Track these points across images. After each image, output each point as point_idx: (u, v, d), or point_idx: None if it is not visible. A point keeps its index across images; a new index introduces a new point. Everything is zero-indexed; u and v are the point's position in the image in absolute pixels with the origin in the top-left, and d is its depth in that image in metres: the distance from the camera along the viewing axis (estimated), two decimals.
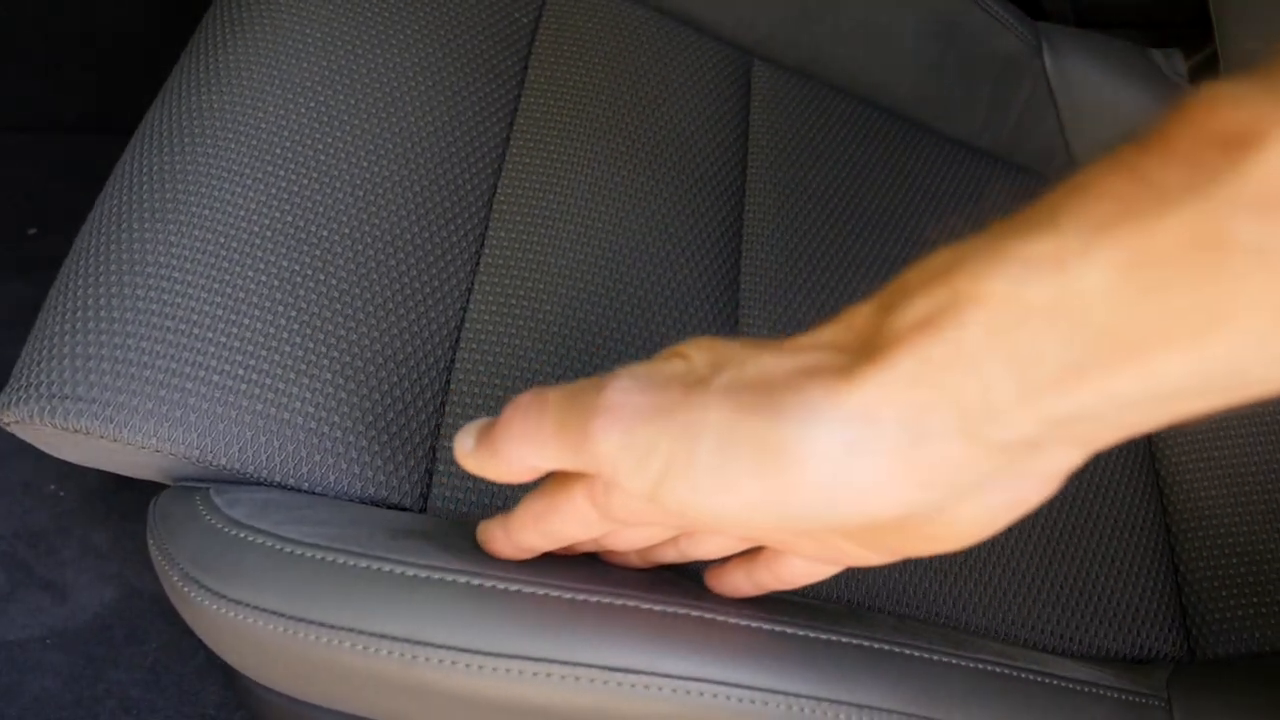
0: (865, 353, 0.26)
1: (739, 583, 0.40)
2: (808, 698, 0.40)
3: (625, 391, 0.29)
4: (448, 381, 0.54)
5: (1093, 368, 0.23)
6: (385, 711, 0.46)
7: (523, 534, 0.39)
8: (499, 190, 0.61)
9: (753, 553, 0.39)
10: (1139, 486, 0.62)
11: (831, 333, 0.28)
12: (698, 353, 0.30)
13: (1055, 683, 0.45)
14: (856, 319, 0.27)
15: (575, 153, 0.64)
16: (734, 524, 0.29)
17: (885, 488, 0.25)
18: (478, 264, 0.58)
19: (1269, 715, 0.48)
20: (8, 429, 0.48)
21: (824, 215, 0.69)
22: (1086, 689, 0.46)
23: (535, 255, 0.59)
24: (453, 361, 0.54)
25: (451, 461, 0.51)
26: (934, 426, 0.24)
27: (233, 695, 0.73)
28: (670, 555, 0.41)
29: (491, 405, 0.53)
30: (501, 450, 0.33)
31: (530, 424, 0.32)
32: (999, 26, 0.81)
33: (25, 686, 0.74)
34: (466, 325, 0.55)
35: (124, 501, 0.83)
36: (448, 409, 0.53)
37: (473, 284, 0.57)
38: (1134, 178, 0.22)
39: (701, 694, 0.40)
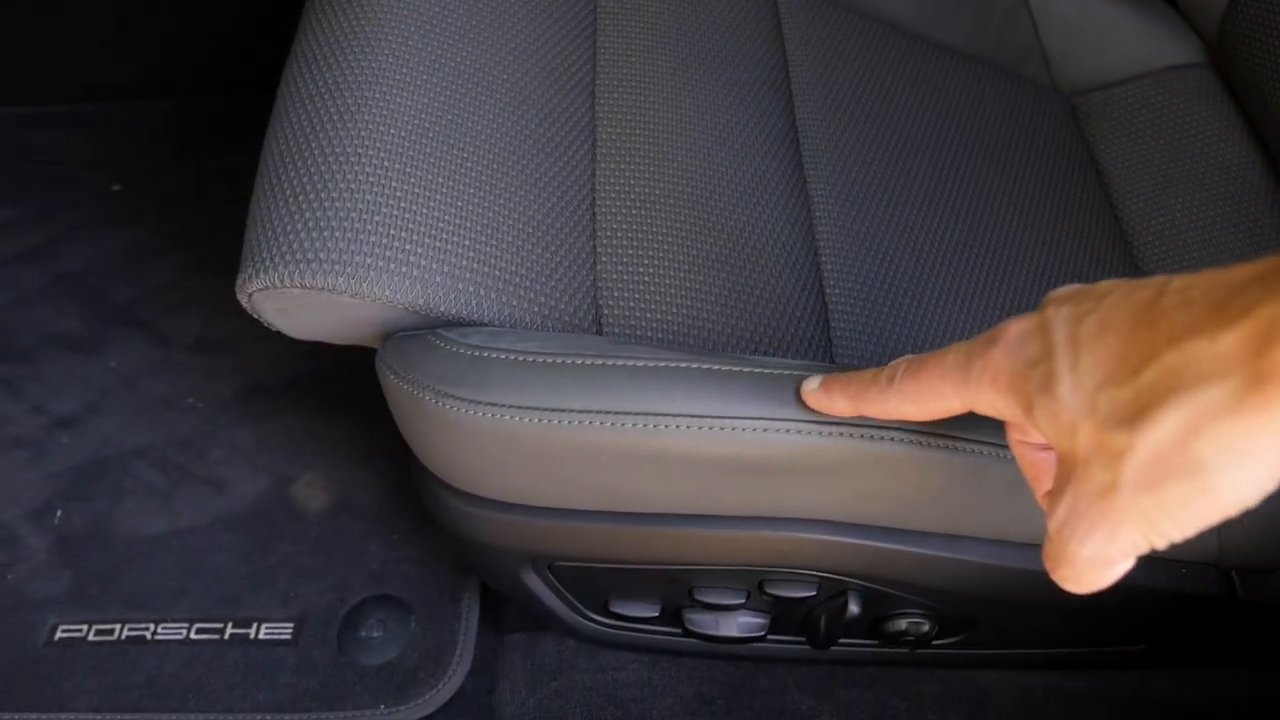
0: (1247, 390, 0.30)
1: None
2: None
3: (1071, 531, 0.35)
4: (594, 231, 0.61)
5: None
6: (620, 488, 0.53)
7: (870, 409, 0.45)
8: (597, 94, 0.67)
9: None
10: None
11: (1193, 362, 0.32)
12: (1100, 465, 0.34)
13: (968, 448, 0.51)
14: (1222, 349, 0.31)
15: (648, 63, 0.70)
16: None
17: (1266, 483, 0.32)
18: (594, 152, 0.64)
19: None
20: (252, 298, 0.54)
21: (858, 108, 0.76)
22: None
23: (637, 147, 0.65)
24: (594, 215, 0.61)
25: (611, 294, 0.58)
26: None
27: (394, 554, 0.79)
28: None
29: (634, 252, 0.60)
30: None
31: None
32: None
33: (204, 564, 0.79)
34: (598, 196, 0.62)
35: (258, 408, 0.88)
36: (598, 246, 0.59)
37: (594, 169, 0.63)
38: None
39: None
